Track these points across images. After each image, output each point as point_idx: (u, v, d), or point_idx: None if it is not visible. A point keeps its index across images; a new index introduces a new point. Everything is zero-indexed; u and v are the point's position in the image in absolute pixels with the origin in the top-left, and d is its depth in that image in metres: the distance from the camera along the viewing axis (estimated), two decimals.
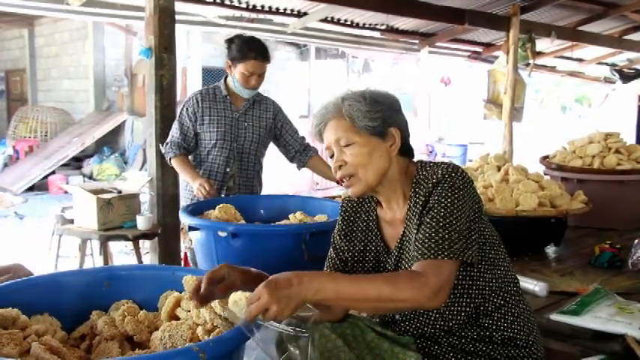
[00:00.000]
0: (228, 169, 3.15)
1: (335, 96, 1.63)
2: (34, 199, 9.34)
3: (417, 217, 1.54)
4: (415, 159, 1.68)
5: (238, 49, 3.01)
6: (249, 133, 3.17)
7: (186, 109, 3.16)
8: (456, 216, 1.48)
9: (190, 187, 3.20)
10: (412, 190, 1.59)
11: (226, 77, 3.18)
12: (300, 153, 3.33)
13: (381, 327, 1.68)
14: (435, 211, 1.48)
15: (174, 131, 3.18)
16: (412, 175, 1.61)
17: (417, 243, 1.48)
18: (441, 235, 1.45)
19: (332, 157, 1.62)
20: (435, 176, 1.53)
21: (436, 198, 1.50)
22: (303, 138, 3.36)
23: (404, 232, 1.61)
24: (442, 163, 1.60)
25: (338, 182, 1.70)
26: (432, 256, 1.44)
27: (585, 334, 2.13)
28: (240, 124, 3.16)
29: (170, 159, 3.17)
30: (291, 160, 3.37)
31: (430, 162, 1.62)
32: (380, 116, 1.57)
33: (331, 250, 1.79)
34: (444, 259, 1.43)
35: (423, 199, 1.53)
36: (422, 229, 1.48)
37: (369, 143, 1.57)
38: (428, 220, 1.49)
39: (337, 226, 1.79)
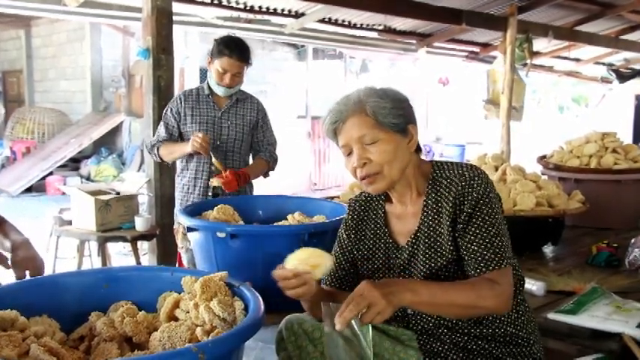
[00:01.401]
0: (213, 168, 3.15)
1: (353, 93, 1.61)
2: (31, 200, 9.33)
3: (445, 216, 1.56)
4: None
5: (216, 46, 3.05)
6: (232, 131, 3.18)
7: (170, 109, 3.21)
8: (500, 221, 1.54)
9: (185, 187, 3.21)
10: (429, 186, 1.61)
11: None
12: (256, 152, 3.30)
13: (382, 324, 1.68)
14: (481, 219, 1.52)
15: (160, 130, 3.23)
16: (426, 171, 1.63)
17: (474, 254, 1.51)
18: (496, 243, 1.51)
19: (349, 154, 1.60)
20: (462, 178, 1.55)
21: (473, 203, 1.52)
22: (272, 145, 3.31)
23: (419, 227, 1.61)
24: (463, 163, 1.63)
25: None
26: (497, 266, 1.49)
27: (583, 333, 2.14)
28: (223, 122, 3.17)
29: (157, 149, 3.19)
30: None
31: (447, 162, 1.65)
32: (402, 113, 1.58)
33: (337, 250, 1.79)
34: (506, 266, 1.50)
35: (452, 199, 1.54)
36: (475, 240, 1.52)
37: (394, 140, 1.57)
38: (477, 230, 1.52)
39: (344, 227, 1.79)
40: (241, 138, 3.21)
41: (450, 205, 1.55)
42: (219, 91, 3.13)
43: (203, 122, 3.14)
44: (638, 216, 4.46)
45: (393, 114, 1.56)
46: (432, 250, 1.58)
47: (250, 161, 3.33)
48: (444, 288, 1.46)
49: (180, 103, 3.18)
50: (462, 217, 1.53)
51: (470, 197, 1.53)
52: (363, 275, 1.72)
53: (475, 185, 1.53)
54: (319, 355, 1.61)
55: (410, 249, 1.63)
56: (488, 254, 1.50)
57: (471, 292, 1.45)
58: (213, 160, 3.05)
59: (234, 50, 3.02)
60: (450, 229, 1.55)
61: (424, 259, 1.59)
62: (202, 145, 2.92)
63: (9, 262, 1.84)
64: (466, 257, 1.53)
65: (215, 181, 3.01)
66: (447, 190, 1.57)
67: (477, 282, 1.49)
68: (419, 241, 1.61)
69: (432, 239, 1.59)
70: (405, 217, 1.67)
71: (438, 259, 1.57)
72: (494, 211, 1.53)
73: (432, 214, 1.59)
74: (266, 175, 3.28)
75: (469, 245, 1.52)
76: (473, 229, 1.52)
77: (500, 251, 1.50)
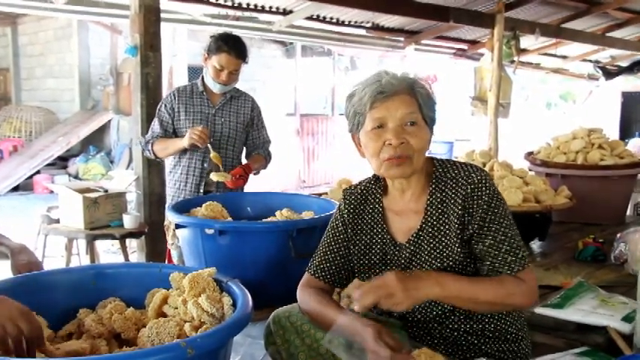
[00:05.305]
0: (205, 165, 3.15)
1: (396, 73, 1.59)
2: (19, 199, 9.26)
3: (453, 217, 1.55)
4: None
5: (214, 42, 3.03)
6: (225, 128, 3.17)
7: (164, 105, 3.20)
8: (512, 222, 1.55)
9: (177, 183, 3.20)
10: (432, 184, 1.61)
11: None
12: (249, 154, 3.30)
13: (372, 313, 1.67)
14: (497, 222, 1.53)
15: (155, 126, 3.20)
16: (429, 169, 1.63)
17: (496, 258, 1.52)
18: (515, 245, 1.53)
19: (378, 127, 1.55)
20: (470, 180, 1.55)
21: (485, 207, 1.53)
22: (268, 143, 3.34)
23: (422, 226, 1.60)
24: (466, 163, 1.63)
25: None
26: (520, 267, 1.52)
27: (569, 327, 2.17)
28: (217, 120, 3.17)
29: (152, 145, 3.15)
30: (246, 157, 3.35)
31: (448, 160, 1.65)
32: (436, 110, 1.61)
33: (331, 243, 1.74)
34: (528, 265, 1.53)
35: (461, 201, 1.54)
36: (495, 244, 1.52)
37: (427, 132, 1.59)
38: (495, 233, 1.53)
39: (341, 218, 1.74)
40: (235, 135, 3.20)
41: (460, 207, 1.54)
42: (215, 88, 3.12)
43: (197, 119, 3.13)
44: (623, 211, 4.51)
45: (432, 109, 1.59)
46: (438, 251, 1.57)
47: (243, 159, 3.33)
48: (473, 283, 1.49)
49: (174, 99, 3.16)
50: (476, 222, 1.53)
51: (480, 201, 1.53)
52: (359, 270, 1.71)
53: (484, 188, 1.54)
54: (307, 348, 1.61)
55: (412, 247, 1.61)
56: (510, 257, 1.51)
57: (501, 288, 1.48)
58: (212, 154, 3.01)
59: (233, 47, 3.01)
60: (459, 231, 1.54)
61: (429, 258, 1.58)
62: (201, 137, 2.90)
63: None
64: (488, 262, 1.53)
65: (215, 177, 2.99)
66: (454, 191, 1.56)
67: (506, 279, 1.51)
68: (422, 240, 1.60)
69: (437, 239, 1.58)
70: (405, 214, 1.65)
71: (444, 260, 1.56)
72: (506, 212, 1.55)
73: (437, 213, 1.58)
74: (257, 172, 3.28)
75: (489, 250, 1.53)
76: (491, 234, 1.52)
77: (519, 252, 1.53)
